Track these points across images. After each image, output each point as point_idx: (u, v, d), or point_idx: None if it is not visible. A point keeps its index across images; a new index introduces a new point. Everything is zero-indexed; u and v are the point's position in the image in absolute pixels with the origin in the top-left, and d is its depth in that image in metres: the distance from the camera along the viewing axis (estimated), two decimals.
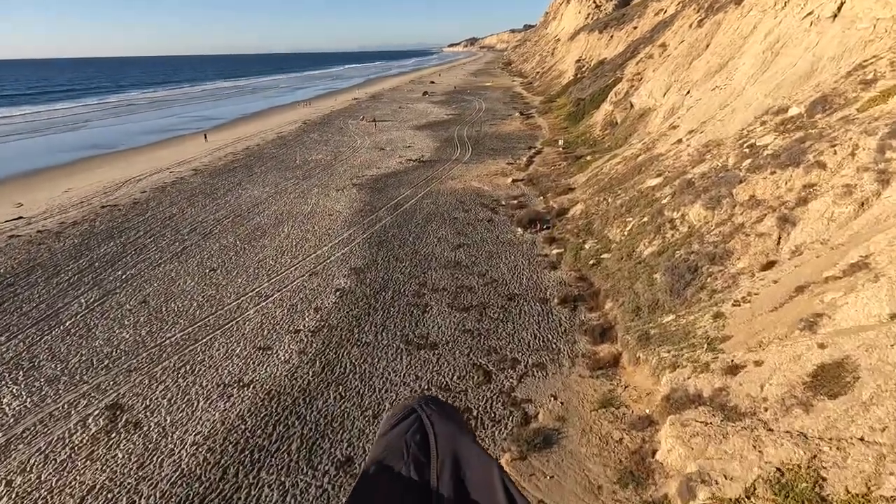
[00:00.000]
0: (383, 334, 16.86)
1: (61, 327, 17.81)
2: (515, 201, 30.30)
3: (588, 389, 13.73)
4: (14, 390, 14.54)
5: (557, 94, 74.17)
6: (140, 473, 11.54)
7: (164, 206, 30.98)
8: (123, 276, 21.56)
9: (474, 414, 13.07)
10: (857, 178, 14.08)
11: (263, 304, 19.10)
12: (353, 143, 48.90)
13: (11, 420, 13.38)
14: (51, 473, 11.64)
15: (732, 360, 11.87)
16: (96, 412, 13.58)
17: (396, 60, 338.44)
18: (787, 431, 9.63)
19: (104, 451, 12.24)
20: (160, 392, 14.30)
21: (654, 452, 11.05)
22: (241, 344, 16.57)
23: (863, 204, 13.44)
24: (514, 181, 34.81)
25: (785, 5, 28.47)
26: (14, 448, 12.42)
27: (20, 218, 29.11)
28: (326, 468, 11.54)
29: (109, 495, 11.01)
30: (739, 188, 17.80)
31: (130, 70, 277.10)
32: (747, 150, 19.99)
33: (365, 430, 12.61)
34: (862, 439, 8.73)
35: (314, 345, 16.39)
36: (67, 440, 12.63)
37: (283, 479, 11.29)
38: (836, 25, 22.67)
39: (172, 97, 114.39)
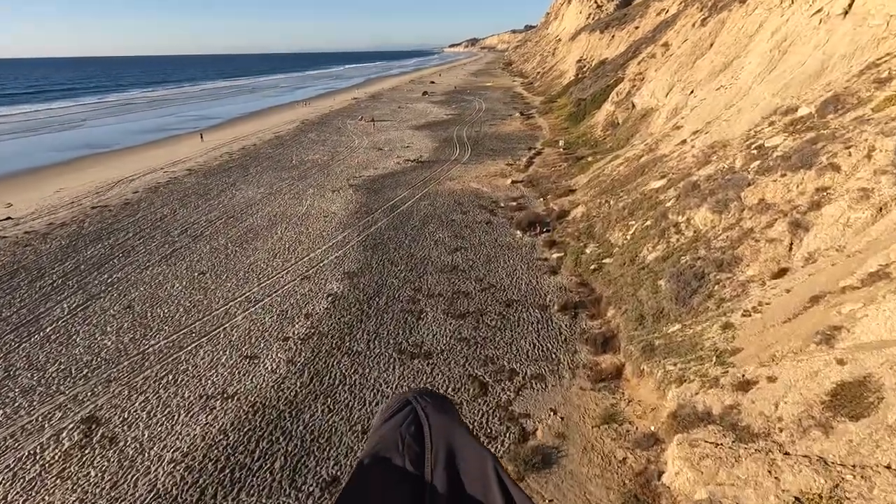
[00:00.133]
0: (376, 342, 16.15)
1: (41, 333, 17.12)
2: (515, 203, 29.53)
3: (589, 403, 13.02)
4: None
5: (558, 94, 73.42)
6: (112, 494, 10.84)
7: (156, 206, 30.28)
8: (109, 280, 20.86)
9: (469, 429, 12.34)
10: (874, 181, 13.35)
11: (252, 309, 18.40)
12: (351, 143, 48.20)
13: None
14: (17, 493, 10.93)
15: (743, 375, 11.15)
16: (71, 425, 12.87)
17: (397, 60, 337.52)
18: (806, 456, 8.91)
19: (76, 468, 11.55)
20: (139, 404, 13.59)
21: (660, 475, 10.35)
22: (228, 352, 15.87)
23: (881, 209, 12.71)
24: (513, 182, 34.07)
25: (792, 3, 27.77)
26: None
27: (8, 219, 28.44)
28: (311, 489, 10.84)
29: None
30: (748, 191, 17.07)
31: (130, 69, 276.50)
32: (755, 152, 19.26)
33: (353, 448, 11.90)
34: (889, 467, 8.03)
35: (303, 353, 15.68)
36: (38, 456, 11.93)
37: (263, 500, 10.59)
38: (846, 22, 21.94)
39: (171, 96, 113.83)
